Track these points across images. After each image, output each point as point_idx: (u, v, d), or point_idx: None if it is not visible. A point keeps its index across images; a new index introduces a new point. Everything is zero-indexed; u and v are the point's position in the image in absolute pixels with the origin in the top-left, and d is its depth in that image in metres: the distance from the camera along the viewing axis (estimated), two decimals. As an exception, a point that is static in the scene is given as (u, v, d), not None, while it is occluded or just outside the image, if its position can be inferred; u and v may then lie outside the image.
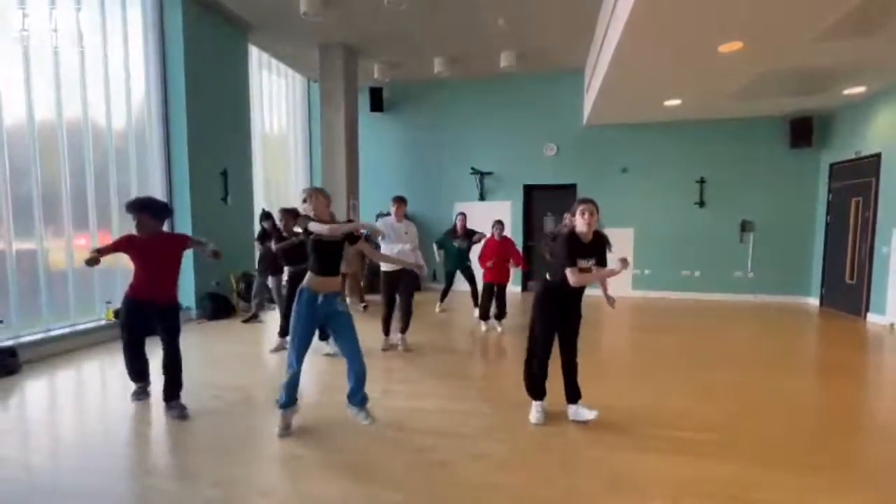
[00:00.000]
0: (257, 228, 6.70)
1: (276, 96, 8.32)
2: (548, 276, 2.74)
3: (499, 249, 5.18)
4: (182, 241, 3.14)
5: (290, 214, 4.25)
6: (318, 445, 2.63)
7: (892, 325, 5.58)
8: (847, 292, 6.57)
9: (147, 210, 2.94)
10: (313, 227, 2.49)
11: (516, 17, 6.06)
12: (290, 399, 2.67)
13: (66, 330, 4.62)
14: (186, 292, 5.89)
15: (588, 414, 2.74)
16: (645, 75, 5.36)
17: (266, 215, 5.64)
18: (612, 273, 2.59)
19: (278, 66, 8.22)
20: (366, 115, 8.48)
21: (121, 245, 2.95)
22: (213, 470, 2.32)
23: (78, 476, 2.30)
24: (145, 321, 3.02)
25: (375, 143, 8.78)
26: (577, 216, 2.59)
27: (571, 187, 8.20)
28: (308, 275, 2.62)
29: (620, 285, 7.66)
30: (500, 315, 5.29)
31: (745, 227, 7.56)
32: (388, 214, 4.57)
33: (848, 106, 6.56)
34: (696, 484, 2.18)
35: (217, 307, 5.84)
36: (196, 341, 4.96)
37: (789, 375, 3.82)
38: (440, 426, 2.79)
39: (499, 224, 5.30)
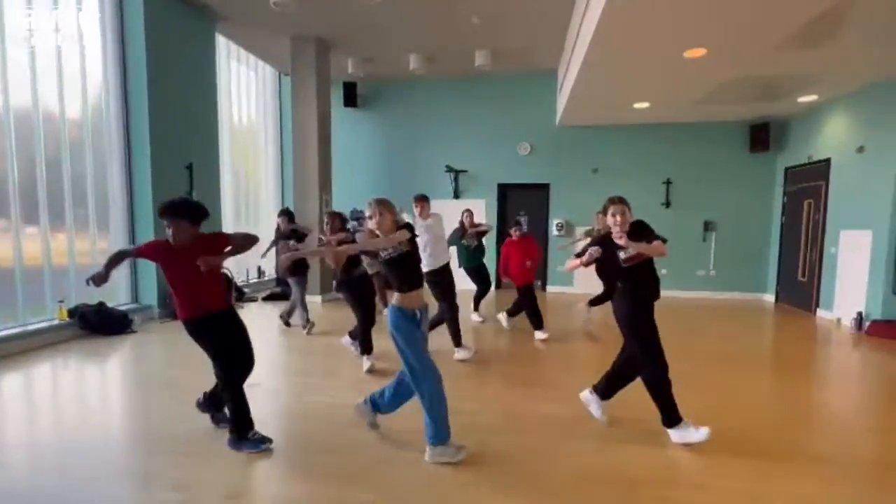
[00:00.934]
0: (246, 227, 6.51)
1: (245, 89, 8.08)
2: (620, 286, 2.61)
3: (522, 249, 5.06)
4: (223, 242, 2.61)
5: (338, 218, 4.03)
6: (286, 445, 2.59)
7: (838, 320, 5.95)
8: (799, 289, 6.96)
9: (186, 216, 2.45)
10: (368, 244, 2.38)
11: (491, 15, 6.10)
12: (448, 430, 2.34)
13: (16, 330, 4.35)
14: (149, 290, 5.67)
15: (599, 415, 2.77)
16: (614, 77, 5.49)
17: (284, 212, 5.49)
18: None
19: (248, 58, 7.98)
20: (339, 110, 8.34)
21: (150, 253, 2.49)
22: (173, 472, 2.24)
23: (29, 480, 2.18)
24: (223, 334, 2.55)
25: (349, 138, 8.66)
26: (609, 218, 2.51)
27: (545, 187, 8.33)
28: (395, 295, 2.39)
29: (594, 283, 7.85)
30: (516, 313, 5.21)
31: (707, 227, 7.88)
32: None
33: (802, 113, 6.94)
34: (660, 472, 2.27)
35: (182, 306, 5.63)
36: (159, 340, 4.78)
37: (747, 369, 4.02)
38: (413, 424, 2.78)
39: (518, 224, 5.24)
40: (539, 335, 4.88)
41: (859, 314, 5.50)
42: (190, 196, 6.01)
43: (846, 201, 6.04)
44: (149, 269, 5.60)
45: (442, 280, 4.09)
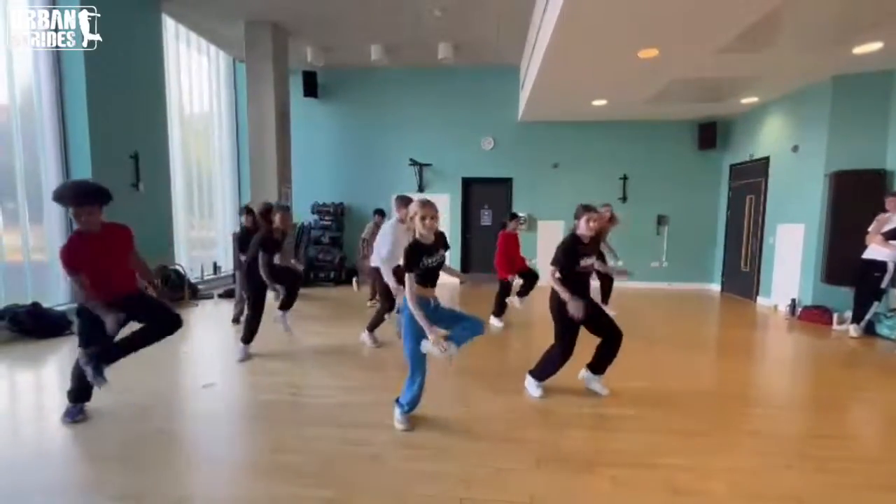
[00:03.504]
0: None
1: (197, 74, 7.66)
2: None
3: (516, 242, 5.12)
4: (128, 235, 2.67)
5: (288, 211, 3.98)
6: (239, 446, 2.51)
7: (775, 306, 6.43)
8: (742, 279, 7.46)
9: (99, 198, 2.43)
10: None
11: (453, 8, 6.08)
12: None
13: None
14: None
15: (602, 390, 3.14)
16: (574, 74, 5.63)
17: (246, 210, 5.26)
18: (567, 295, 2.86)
19: (199, 42, 7.56)
20: (299, 100, 8.09)
21: (81, 255, 2.40)
22: (118, 480, 2.12)
23: (-54, 501, 1.99)
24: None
25: (310, 129, 8.42)
26: (583, 223, 2.95)
27: (508, 181, 8.45)
28: (414, 286, 2.47)
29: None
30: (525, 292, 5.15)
31: (660, 220, 8.28)
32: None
33: (745, 113, 7.39)
34: (612, 454, 2.38)
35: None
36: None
37: (691, 353, 4.28)
38: (372, 419, 2.77)
39: (516, 218, 5.22)
40: (496, 323, 5.12)
41: (793, 301, 5.97)
42: (136, 187, 5.67)
43: (783, 197, 6.51)
44: (90, 266, 5.23)
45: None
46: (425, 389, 2.63)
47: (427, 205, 2.46)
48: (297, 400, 3.05)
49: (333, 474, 2.17)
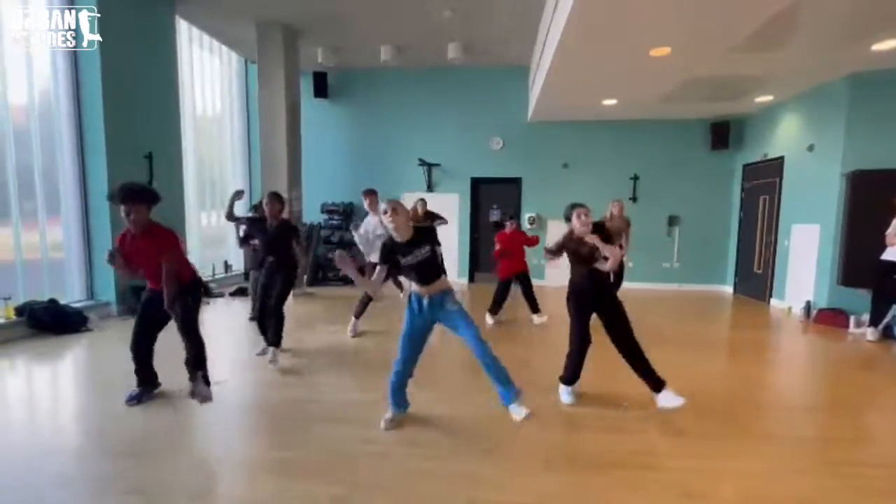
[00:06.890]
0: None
1: (209, 75, 7.76)
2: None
3: (512, 241, 5.13)
4: (172, 241, 2.72)
5: (277, 199, 3.80)
6: (249, 443, 2.54)
7: (789, 308, 6.32)
8: (755, 281, 7.34)
9: (144, 200, 2.60)
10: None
11: (463, 8, 6.08)
12: (395, 404, 2.67)
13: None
14: (106, 286, 5.40)
15: (675, 401, 2.78)
16: (584, 74, 5.59)
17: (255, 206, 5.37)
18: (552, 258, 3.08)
19: (212, 44, 7.66)
20: (309, 100, 8.15)
21: (122, 245, 2.70)
22: (130, 475, 2.16)
23: (-33, 491, 2.05)
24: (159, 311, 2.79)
25: (320, 130, 8.47)
26: (574, 219, 2.96)
27: (517, 181, 8.42)
28: (413, 284, 2.59)
29: (560, 276, 8.01)
30: (535, 307, 5.24)
31: (672, 221, 8.18)
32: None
33: (758, 113, 7.27)
34: (622, 455, 2.36)
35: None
36: (117, 339, 4.56)
37: (702, 355, 4.22)
38: (382, 417, 2.77)
39: (511, 218, 5.28)
40: (537, 319, 5.21)
41: (808, 303, 5.85)
42: (150, 185, 5.75)
43: (797, 197, 6.39)
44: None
45: None
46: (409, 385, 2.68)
47: (387, 201, 2.42)
48: (307, 398, 3.08)
49: (342, 472, 2.19)
